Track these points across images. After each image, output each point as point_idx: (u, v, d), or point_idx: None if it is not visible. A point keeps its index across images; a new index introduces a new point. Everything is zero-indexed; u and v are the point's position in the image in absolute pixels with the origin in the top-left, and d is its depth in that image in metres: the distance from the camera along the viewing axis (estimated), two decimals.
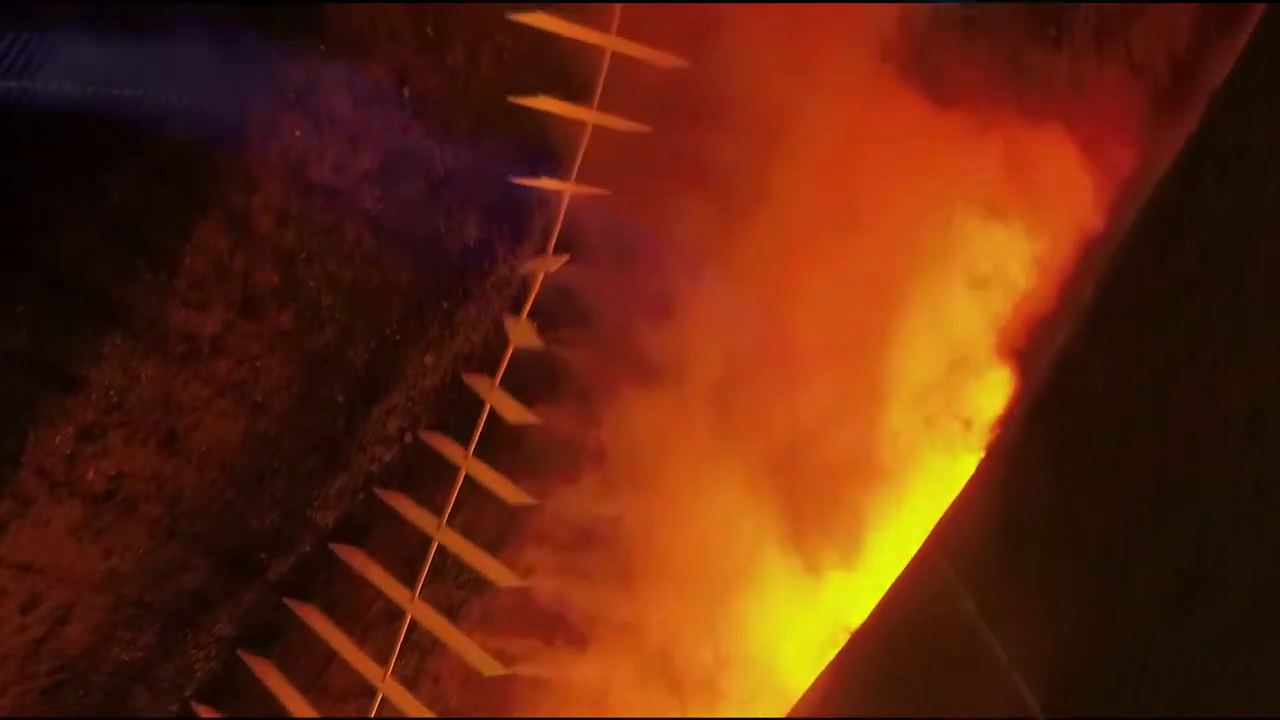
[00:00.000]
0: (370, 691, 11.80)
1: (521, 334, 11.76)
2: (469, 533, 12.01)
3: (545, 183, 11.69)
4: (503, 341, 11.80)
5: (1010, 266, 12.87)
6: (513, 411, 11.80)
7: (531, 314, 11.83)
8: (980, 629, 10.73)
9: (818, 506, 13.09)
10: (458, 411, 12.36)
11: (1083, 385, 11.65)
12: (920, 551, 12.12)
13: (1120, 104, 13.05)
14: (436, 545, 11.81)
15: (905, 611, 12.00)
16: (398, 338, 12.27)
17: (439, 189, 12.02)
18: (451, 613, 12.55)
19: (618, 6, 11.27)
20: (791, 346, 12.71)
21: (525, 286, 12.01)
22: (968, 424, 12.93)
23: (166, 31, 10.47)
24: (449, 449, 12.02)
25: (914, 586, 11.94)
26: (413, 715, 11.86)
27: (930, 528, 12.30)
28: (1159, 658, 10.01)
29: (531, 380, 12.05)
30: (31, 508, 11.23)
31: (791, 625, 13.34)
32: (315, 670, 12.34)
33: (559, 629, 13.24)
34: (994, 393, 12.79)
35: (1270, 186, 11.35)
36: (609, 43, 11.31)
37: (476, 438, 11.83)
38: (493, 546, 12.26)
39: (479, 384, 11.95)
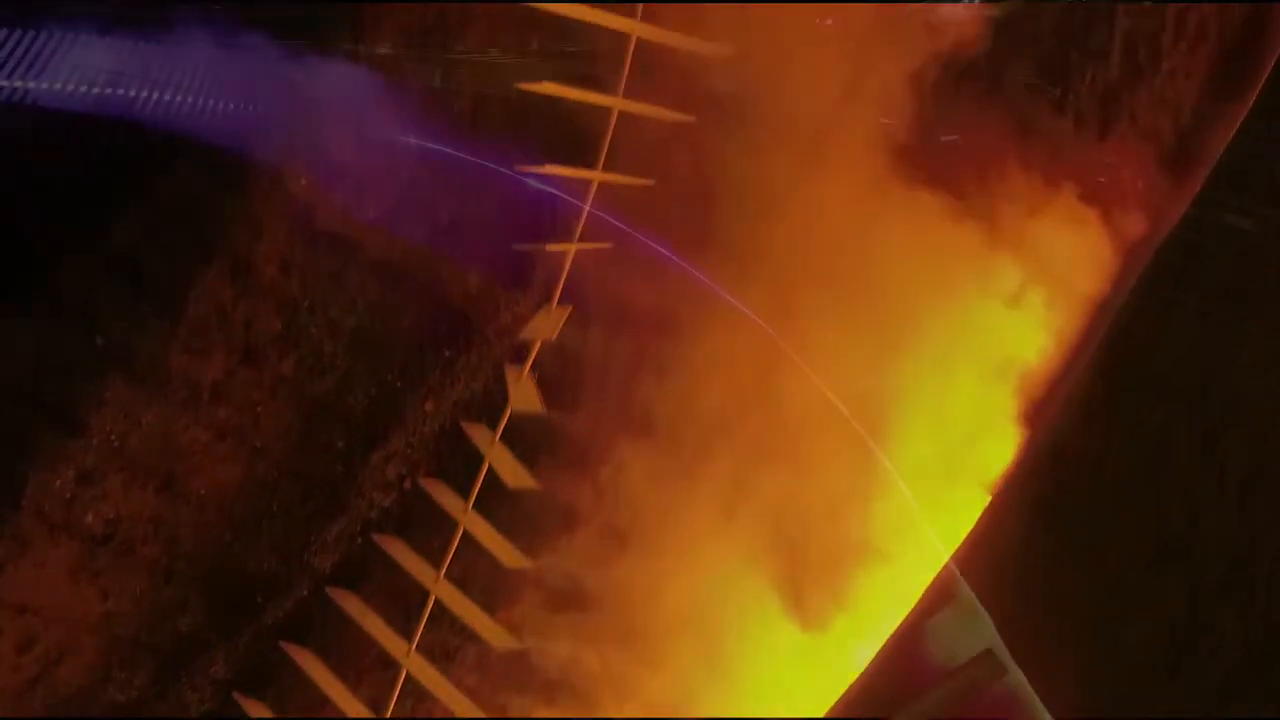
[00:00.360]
0: None
1: (522, 397, 11.70)
2: (466, 579, 11.90)
3: (549, 246, 11.72)
4: (503, 389, 11.73)
5: (1023, 338, 12.81)
6: (512, 474, 11.71)
7: (532, 370, 11.79)
8: (1012, 668, 10.73)
9: (819, 565, 12.98)
10: (457, 458, 12.33)
11: (1082, 445, 11.64)
12: (918, 604, 12.05)
13: (1126, 168, 13.04)
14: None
15: (915, 654, 11.94)
16: (398, 384, 12.33)
17: (442, 238, 12.10)
18: (447, 658, 12.47)
19: (625, 67, 11.33)
20: (795, 410, 12.67)
21: (527, 341, 12.00)
22: (977, 488, 12.85)
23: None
24: (448, 501, 11.94)
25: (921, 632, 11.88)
26: None
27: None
28: (1153, 711, 10.00)
29: (532, 435, 12.00)
30: (29, 549, 11.33)
31: (793, 682, 13.23)
32: (309, 714, 12.28)
33: (559, 685, 13.14)
34: (1001, 457, 12.71)
35: (1272, 252, 11.40)
36: (615, 103, 11.38)
37: (476, 492, 11.79)
38: (489, 594, 12.17)
39: (479, 436, 11.90)
